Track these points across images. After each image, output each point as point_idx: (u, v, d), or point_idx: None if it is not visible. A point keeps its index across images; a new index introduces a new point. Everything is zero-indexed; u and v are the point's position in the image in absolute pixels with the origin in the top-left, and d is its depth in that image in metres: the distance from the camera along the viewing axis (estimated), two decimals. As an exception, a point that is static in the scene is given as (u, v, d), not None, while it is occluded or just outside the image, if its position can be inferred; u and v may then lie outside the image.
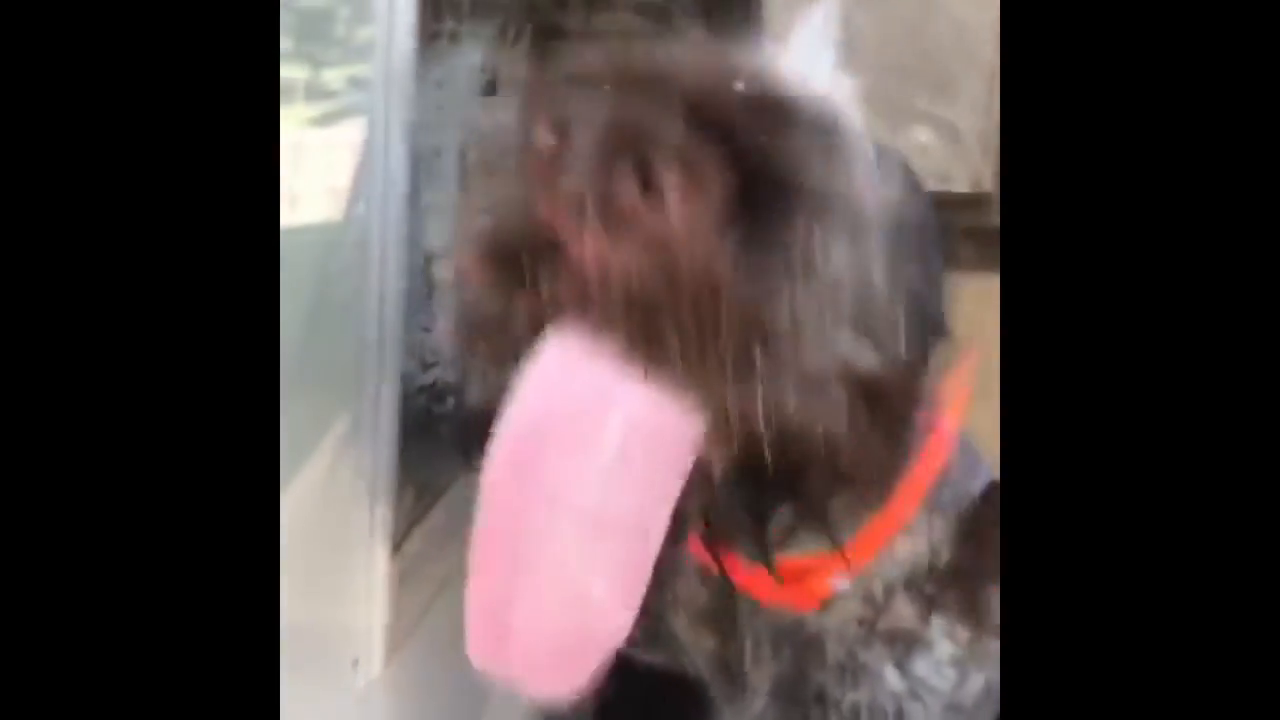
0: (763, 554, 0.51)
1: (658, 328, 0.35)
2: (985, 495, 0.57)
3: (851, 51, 0.43)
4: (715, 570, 0.54)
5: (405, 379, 0.60)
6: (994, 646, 0.55)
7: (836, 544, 0.47)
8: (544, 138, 0.35)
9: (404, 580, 0.64)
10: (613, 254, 0.34)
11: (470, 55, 0.56)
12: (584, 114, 0.35)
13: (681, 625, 0.58)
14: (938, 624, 0.54)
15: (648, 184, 0.34)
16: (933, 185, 0.45)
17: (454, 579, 0.67)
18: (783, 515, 0.48)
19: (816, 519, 0.45)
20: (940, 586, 0.53)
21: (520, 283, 0.36)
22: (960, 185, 0.90)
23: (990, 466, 0.58)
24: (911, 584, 0.53)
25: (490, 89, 0.48)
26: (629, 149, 0.34)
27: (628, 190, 0.34)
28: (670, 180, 0.34)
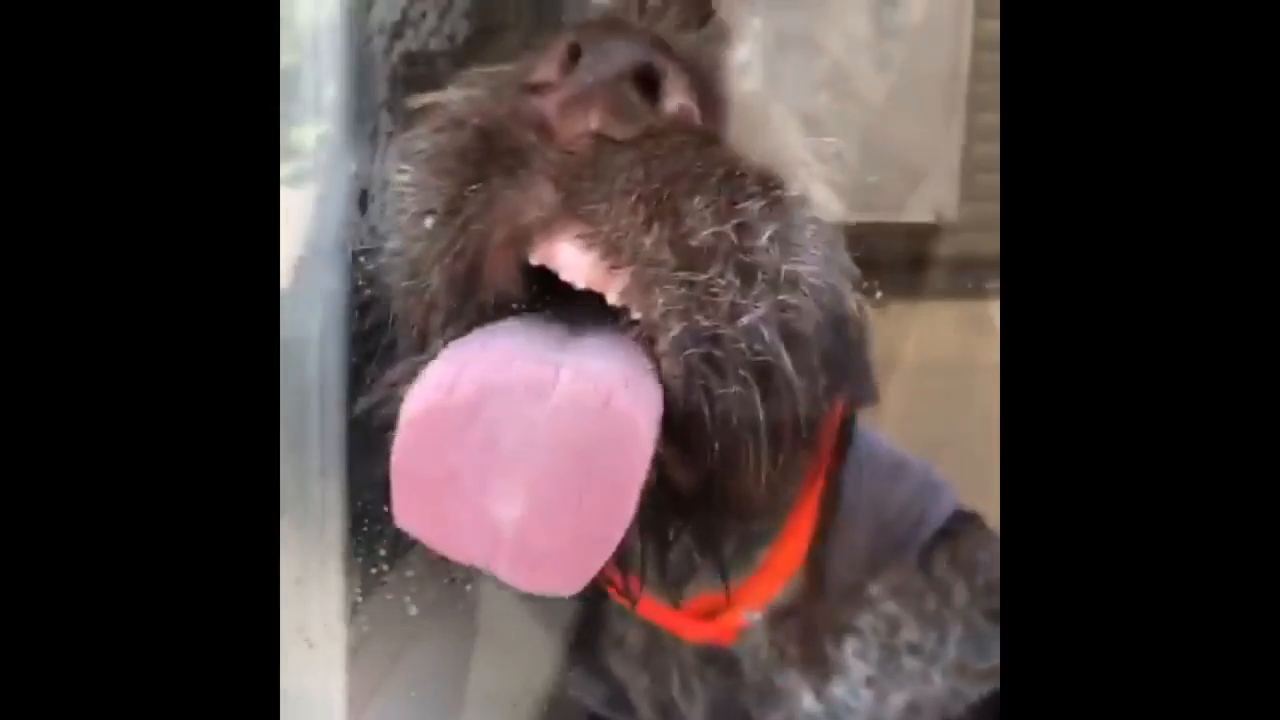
0: (666, 588, 0.56)
1: (637, 213, 0.37)
2: (947, 525, 0.61)
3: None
4: (633, 609, 0.59)
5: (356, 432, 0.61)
6: (910, 665, 0.59)
7: (726, 580, 0.50)
8: (545, 70, 0.38)
9: (360, 649, 0.64)
10: (616, 136, 0.37)
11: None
12: (594, 43, 0.37)
13: (618, 663, 0.63)
14: (850, 647, 0.58)
15: (654, 93, 0.37)
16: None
17: (413, 645, 0.68)
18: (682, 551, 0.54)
19: (711, 547, 0.48)
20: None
21: (481, 175, 0.39)
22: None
23: (954, 497, 0.63)
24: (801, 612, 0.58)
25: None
26: (640, 65, 0.37)
27: (634, 94, 0.37)
28: (677, 88, 0.38)
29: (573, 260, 0.39)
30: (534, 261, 0.40)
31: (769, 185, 0.40)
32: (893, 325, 0.55)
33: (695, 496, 0.42)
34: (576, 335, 0.40)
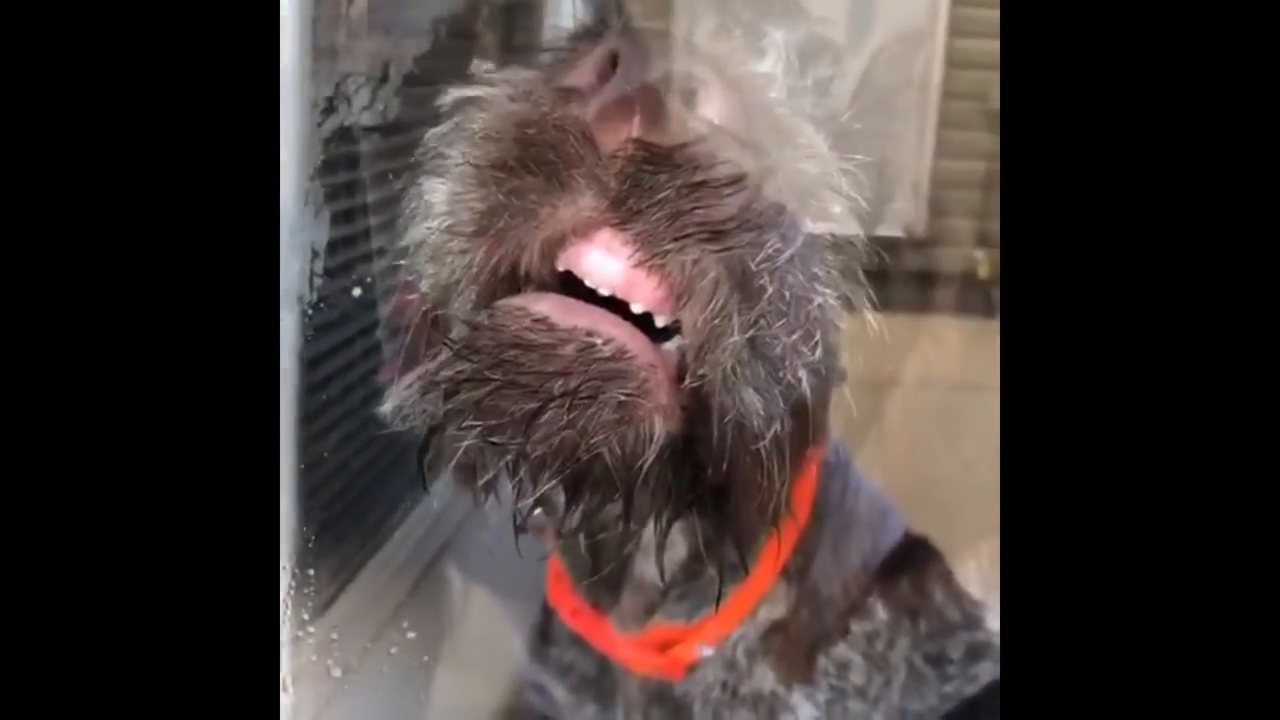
0: (634, 614, 0.55)
1: (675, 222, 0.37)
2: (895, 550, 0.61)
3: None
4: (589, 638, 0.58)
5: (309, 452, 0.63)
6: (855, 708, 0.59)
7: (720, 586, 0.50)
8: (583, 76, 0.38)
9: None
10: (657, 143, 0.37)
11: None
12: (632, 51, 0.37)
13: (562, 693, 0.62)
14: (799, 687, 0.58)
15: (690, 102, 0.38)
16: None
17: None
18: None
19: (715, 544, 0.47)
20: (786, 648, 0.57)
21: (522, 181, 0.38)
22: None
23: (902, 521, 0.63)
24: (770, 649, 0.57)
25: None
26: (676, 74, 0.38)
27: (673, 102, 0.37)
28: (713, 97, 0.38)
29: (602, 266, 0.39)
30: (561, 267, 0.39)
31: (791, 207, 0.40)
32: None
33: (714, 487, 0.42)
34: None
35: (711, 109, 0.38)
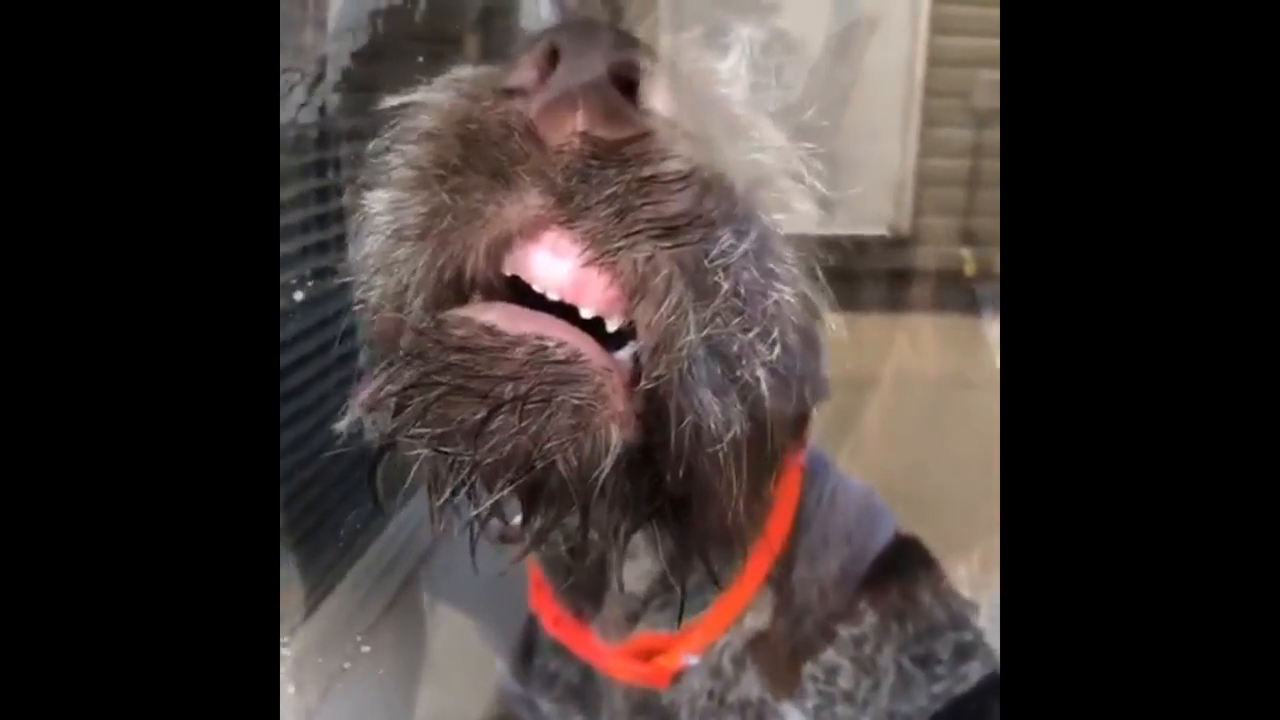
0: (615, 623, 0.55)
1: (625, 219, 0.36)
2: (885, 551, 0.61)
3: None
4: (571, 647, 0.57)
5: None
6: (844, 713, 0.58)
7: (683, 602, 0.49)
8: (524, 73, 0.37)
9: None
10: (604, 138, 0.36)
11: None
12: (573, 45, 0.36)
13: (546, 703, 0.61)
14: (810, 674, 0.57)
15: (633, 92, 0.36)
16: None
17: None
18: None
19: (681, 561, 0.45)
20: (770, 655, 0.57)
21: (465, 179, 0.37)
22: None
23: (894, 521, 0.62)
24: (756, 657, 0.56)
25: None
26: (621, 67, 0.36)
27: (618, 96, 0.36)
28: (660, 90, 0.37)
29: (549, 268, 0.37)
30: (508, 271, 0.38)
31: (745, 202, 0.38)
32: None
33: (674, 497, 0.41)
34: None
35: (657, 101, 0.37)
